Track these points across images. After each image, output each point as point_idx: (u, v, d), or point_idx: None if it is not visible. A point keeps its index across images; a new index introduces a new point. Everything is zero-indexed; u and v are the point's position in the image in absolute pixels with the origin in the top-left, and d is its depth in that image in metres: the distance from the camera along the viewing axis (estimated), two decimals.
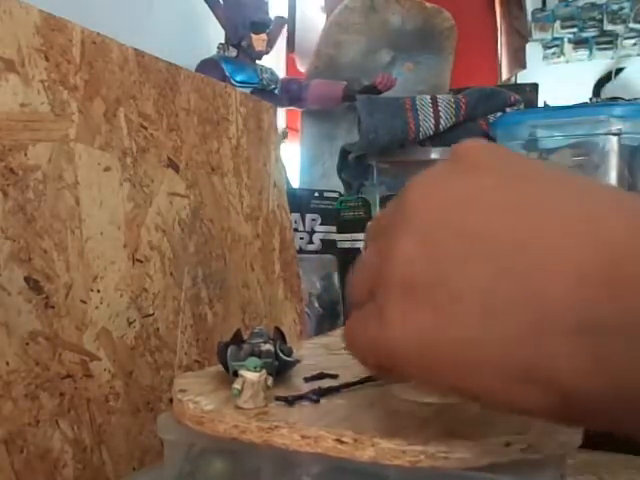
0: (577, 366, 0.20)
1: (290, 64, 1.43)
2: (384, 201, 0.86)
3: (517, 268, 0.21)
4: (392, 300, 0.23)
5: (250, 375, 0.30)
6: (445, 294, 0.22)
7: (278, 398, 0.30)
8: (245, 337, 0.35)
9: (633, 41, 2.76)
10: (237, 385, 0.30)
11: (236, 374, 0.31)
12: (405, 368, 0.23)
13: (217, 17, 1.03)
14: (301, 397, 0.31)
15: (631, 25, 2.72)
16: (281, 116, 1.33)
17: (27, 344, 0.36)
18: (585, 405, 0.20)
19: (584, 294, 0.20)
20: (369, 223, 0.29)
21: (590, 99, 2.13)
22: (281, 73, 1.27)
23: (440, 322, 0.22)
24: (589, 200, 0.22)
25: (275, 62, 1.28)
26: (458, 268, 0.22)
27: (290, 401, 0.30)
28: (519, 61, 2.34)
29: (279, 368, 0.34)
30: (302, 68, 1.33)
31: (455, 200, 0.23)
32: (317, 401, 0.30)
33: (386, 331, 0.23)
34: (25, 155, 0.38)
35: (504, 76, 2.31)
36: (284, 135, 1.28)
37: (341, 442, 0.26)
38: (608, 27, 2.78)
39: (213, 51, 1.06)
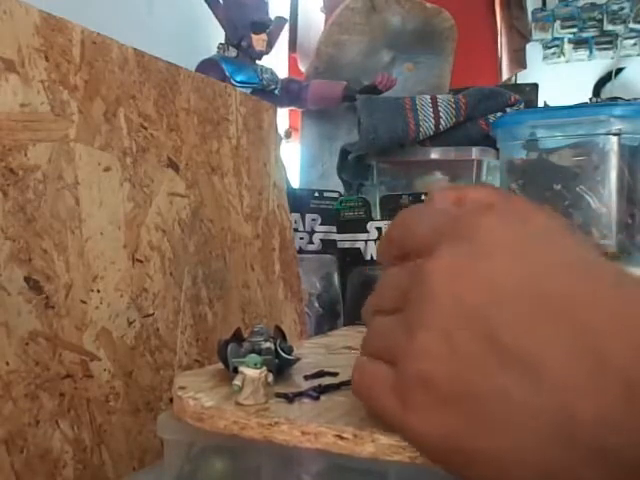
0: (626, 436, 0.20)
1: (292, 64, 1.43)
2: (384, 201, 0.86)
3: (547, 385, 0.21)
4: (412, 389, 0.24)
5: (250, 372, 0.30)
6: (470, 401, 0.22)
7: (278, 395, 0.30)
8: (245, 336, 0.36)
9: (633, 41, 2.76)
10: (237, 382, 0.30)
11: (236, 371, 0.31)
12: (422, 453, 0.24)
13: (217, 17, 1.04)
14: (301, 394, 0.31)
15: (631, 25, 2.72)
16: (284, 116, 1.33)
17: (27, 344, 0.36)
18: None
19: (610, 419, 0.20)
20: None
21: (590, 99, 2.14)
22: (283, 73, 1.27)
23: (464, 427, 0.22)
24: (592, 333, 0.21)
25: (277, 62, 1.28)
26: (486, 378, 0.22)
27: (290, 398, 0.30)
28: (519, 61, 2.34)
29: (279, 366, 0.34)
30: (303, 68, 1.33)
31: (482, 300, 0.23)
32: (317, 398, 0.31)
33: (406, 419, 0.24)
34: (25, 155, 0.38)
35: (504, 76, 2.31)
36: (288, 135, 1.28)
37: (341, 438, 0.26)
38: (608, 27, 2.78)
39: (213, 51, 1.06)
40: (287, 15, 1.32)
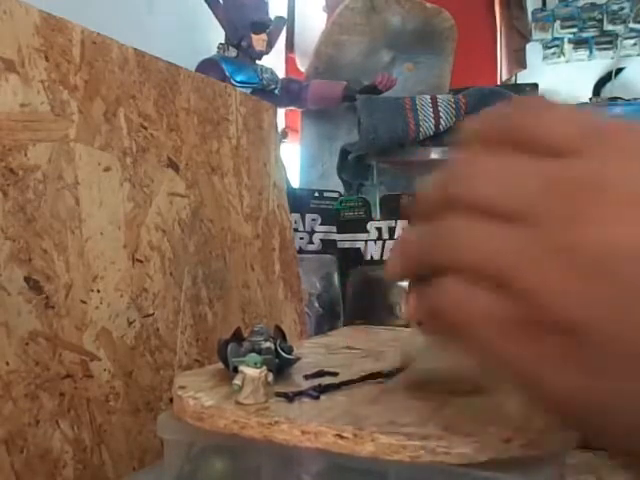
0: None
1: (290, 64, 1.43)
2: (384, 201, 0.86)
3: None
4: (555, 334, 0.20)
5: (250, 371, 0.30)
6: (628, 357, 0.19)
7: (278, 394, 0.31)
8: (245, 336, 0.36)
9: (633, 41, 2.76)
10: (237, 381, 0.30)
11: (236, 370, 0.31)
12: (559, 414, 0.22)
13: (217, 17, 1.04)
14: (301, 393, 0.31)
15: (631, 25, 2.72)
16: (280, 116, 1.33)
17: (27, 344, 0.36)
18: None
19: None
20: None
21: (590, 99, 2.14)
22: (281, 73, 1.27)
23: (617, 387, 0.20)
24: None
25: (275, 62, 1.28)
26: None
27: (290, 397, 0.30)
28: (519, 61, 2.34)
29: (279, 365, 0.34)
30: (302, 68, 1.33)
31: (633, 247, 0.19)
32: (317, 397, 0.31)
33: (542, 366, 0.21)
34: (25, 155, 0.38)
35: (504, 76, 2.31)
36: (284, 135, 1.28)
37: (341, 437, 0.26)
38: (608, 27, 2.78)
39: (213, 51, 1.06)
40: (284, 15, 1.32)
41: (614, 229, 0.19)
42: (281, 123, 1.35)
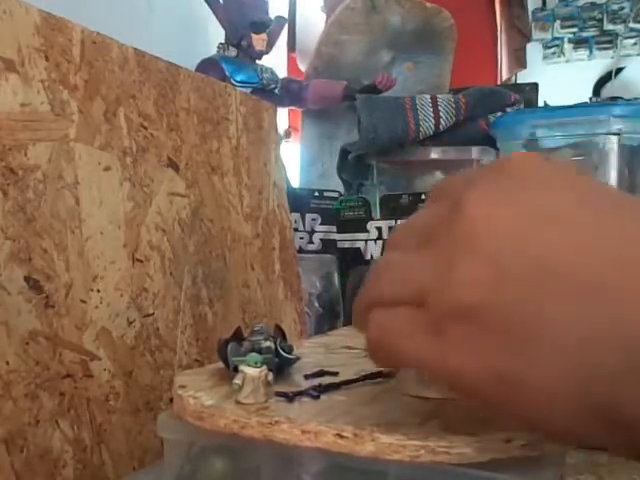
0: None
1: (291, 64, 1.43)
2: (384, 201, 0.86)
3: (604, 305, 0.20)
4: (454, 322, 0.22)
5: (251, 371, 0.30)
6: (519, 328, 0.21)
7: (278, 394, 0.30)
8: (245, 335, 0.36)
9: (633, 41, 2.76)
10: (238, 380, 0.30)
11: (236, 370, 0.31)
12: (464, 389, 0.23)
13: (217, 17, 1.03)
14: (301, 393, 0.31)
15: (631, 25, 2.72)
16: (283, 116, 1.33)
17: (27, 344, 0.36)
18: None
19: None
20: (397, 226, 0.29)
21: (590, 99, 2.14)
22: (282, 73, 1.27)
23: (513, 358, 0.21)
24: None
25: (276, 62, 1.28)
26: (536, 303, 0.21)
27: (290, 397, 0.30)
28: (519, 61, 2.34)
29: (279, 365, 0.34)
30: (303, 67, 1.33)
31: (529, 223, 0.22)
32: (317, 397, 0.31)
33: (446, 354, 0.22)
34: (25, 155, 0.38)
35: (504, 76, 2.31)
36: (287, 135, 1.28)
37: (341, 437, 0.26)
38: (608, 27, 2.78)
39: (213, 51, 1.06)
40: (285, 15, 1.32)
41: (483, 212, 0.23)
42: (284, 123, 1.35)
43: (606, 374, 0.20)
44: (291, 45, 1.41)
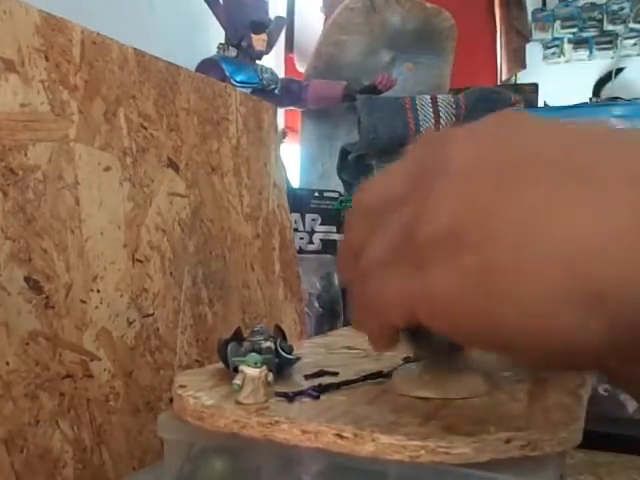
0: (626, 273, 0.19)
1: (289, 64, 1.43)
2: None
3: (585, 190, 0.20)
4: (435, 249, 0.22)
5: (251, 371, 0.30)
6: (497, 243, 0.21)
7: (278, 394, 0.30)
8: (245, 335, 0.36)
9: (633, 41, 2.76)
10: (238, 380, 0.30)
11: (236, 370, 0.31)
12: (448, 318, 0.23)
13: (217, 17, 1.04)
14: (301, 393, 0.31)
15: (631, 25, 2.72)
16: (280, 116, 1.33)
17: (27, 344, 0.36)
18: (631, 326, 0.20)
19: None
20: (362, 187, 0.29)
21: (590, 99, 2.14)
22: (280, 73, 1.27)
23: (488, 272, 0.21)
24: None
25: (274, 62, 1.28)
26: (510, 195, 0.21)
27: (290, 397, 0.30)
28: (519, 61, 2.35)
29: (279, 365, 0.34)
30: (301, 68, 1.33)
31: (498, 140, 0.23)
32: (317, 397, 0.31)
33: (431, 282, 0.22)
34: (25, 155, 0.38)
35: (504, 76, 2.31)
36: (283, 135, 1.28)
37: (341, 437, 0.26)
38: (608, 27, 2.79)
39: (213, 51, 1.06)
40: (284, 15, 1.32)
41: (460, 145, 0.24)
42: (280, 123, 1.35)
43: (589, 251, 0.20)
44: (289, 46, 1.41)
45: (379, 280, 0.25)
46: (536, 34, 2.84)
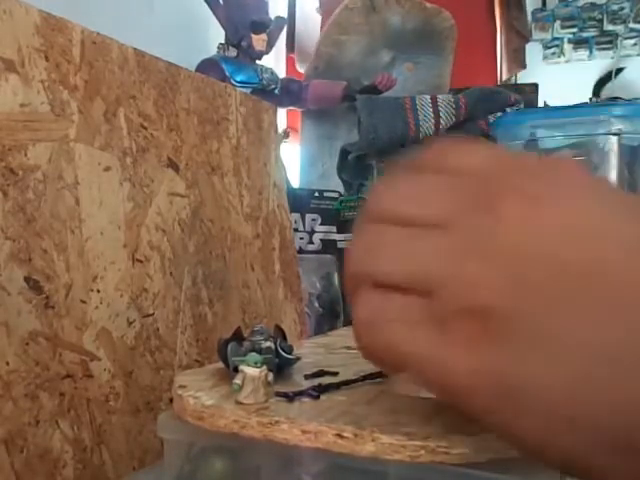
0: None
1: (290, 64, 1.43)
2: None
3: (631, 320, 0.19)
4: (461, 320, 0.21)
5: (251, 370, 0.30)
6: (537, 335, 0.20)
7: (278, 394, 0.30)
8: (245, 335, 0.36)
9: (633, 41, 2.76)
10: (238, 380, 0.30)
11: (236, 370, 0.31)
12: (466, 404, 0.22)
13: (217, 17, 1.04)
14: (301, 393, 0.31)
15: (631, 25, 2.72)
16: (282, 116, 1.33)
17: (27, 344, 0.36)
18: None
19: None
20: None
21: (590, 99, 2.14)
22: (281, 73, 1.27)
23: (519, 364, 0.20)
24: None
25: (275, 62, 1.28)
26: (557, 308, 0.20)
27: (290, 397, 0.30)
28: (519, 61, 2.34)
29: (279, 365, 0.34)
30: (301, 68, 1.33)
31: (560, 235, 0.20)
32: (317, 397, 0.31)
33: (445, 350, 0.21)
34: (25, 155, 0.38)
35: (504, 76, 2.31)
36: (286, 135, 1.28)
37: (341, 437, 0.26)
38: (608, 27, 2.78)
39: (213, 51, 1.06)
40: (284, 15, 1.32)
41: (527, 213, 0.21)
42: (282, 123, 1.35)
43: (622, 393, 0.19)
44: (290, 46, 1.41)
45: (390, 325, 0.23)
46: (536, 34, 2.84)
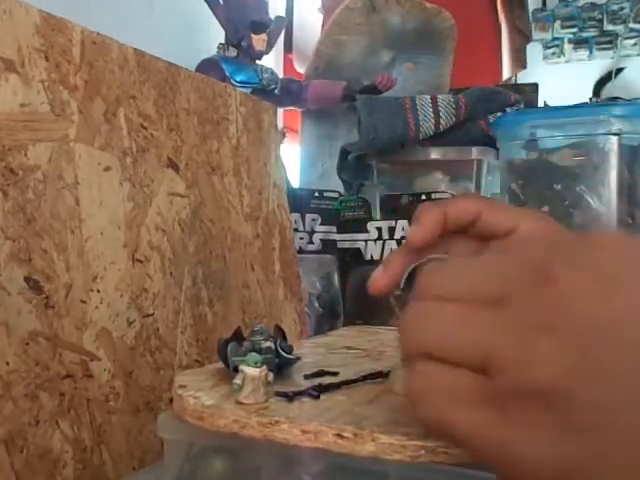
0: None
1: (287, 64, 1.43)
2: (384, 201, 0.86)
3: None
4: (522, 402, 0.20)
5: (251, 370, 0.30)
6: (613, 428, 0.19)
7: (278, 394, 0.31)
8: (245, 335, 0.36)
9: (633, 41, 2.76)
10: (238, 380, 0.30)
11: (236, 370, 0.31)
12: (515, 477, 0.21)
13: (217, 17, 1.03)
14: (301, 393, 0.31)
15: (631, 25, 2.72)
16: (278, 116, 1.33)
17: (27, 344, 0.36)
18: None
19: None
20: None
21: (590, 99, 2.14)
22: (279, 73, 1.27)
23: (583, 450, 0.19)
24: None
25: (273, 62, 1.28)
26: (623, 398, 0.19)
27: (290, 397, 0.30)
28: (519, 61, 2.34)
29: (279, 365, 0.34)
30: (299, 68, 1.33)
31: (626, 315, 0.20)
32: (317, 397, 0.31)
33: (505, 433, 0.20)
34: (25, 155, 0.38)
35: (505, 76, 2.31)
36: (282, 135, 1.28)
37: (341, 437, 0.26)
38: (608, 27, 2.78)
39: (213, 51, 1.06)
40: (283, 15, 1.32)
41: (597, 299, 0.20)
42: (280, 123, 1.35)
43: None
44: (288, 46, 1.41)
45: (443, 400, 0.22)
46: (536, 34, 2.84)
